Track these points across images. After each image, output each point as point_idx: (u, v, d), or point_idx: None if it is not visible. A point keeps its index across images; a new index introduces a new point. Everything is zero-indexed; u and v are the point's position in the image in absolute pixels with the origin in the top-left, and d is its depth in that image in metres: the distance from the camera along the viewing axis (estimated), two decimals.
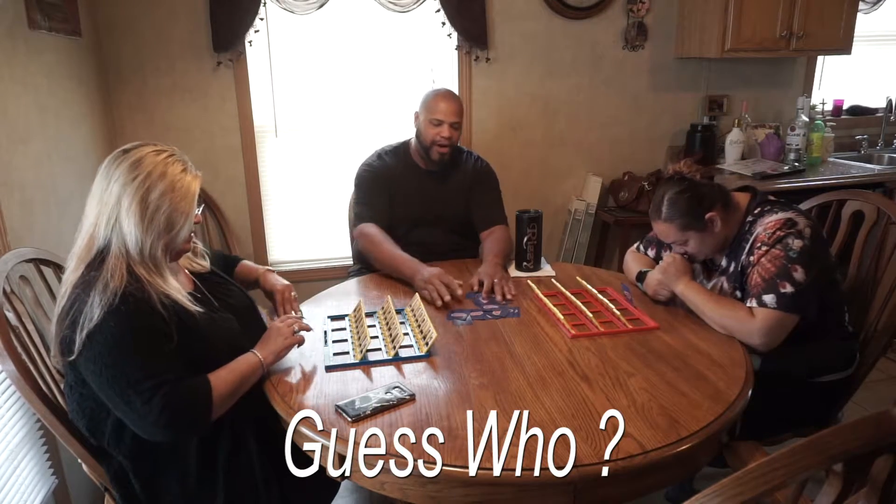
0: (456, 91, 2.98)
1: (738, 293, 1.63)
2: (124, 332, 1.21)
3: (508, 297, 1.84)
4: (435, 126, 2.17)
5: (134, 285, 1.24)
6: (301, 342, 1.46)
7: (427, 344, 1.50)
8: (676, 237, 1.65)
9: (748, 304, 1.52)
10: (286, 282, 1.73)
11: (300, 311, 1.70)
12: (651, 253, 1.97)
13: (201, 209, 1.39)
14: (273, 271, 1.79)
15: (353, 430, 1.19)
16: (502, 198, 2.37)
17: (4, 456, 1.50)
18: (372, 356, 1.49)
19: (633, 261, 1.95)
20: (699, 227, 1.62)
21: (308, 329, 1.50)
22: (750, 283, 1.55)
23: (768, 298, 1.49)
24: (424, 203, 2.27)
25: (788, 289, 1.48)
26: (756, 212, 1.63)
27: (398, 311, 1.69)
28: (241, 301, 1.57)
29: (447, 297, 1.79)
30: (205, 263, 1.56)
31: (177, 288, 1.32)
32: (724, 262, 1.69)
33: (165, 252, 1.32)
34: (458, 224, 2.33)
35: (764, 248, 1.53)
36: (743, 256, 1.61)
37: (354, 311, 1.71)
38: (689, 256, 1.74)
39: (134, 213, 1.26)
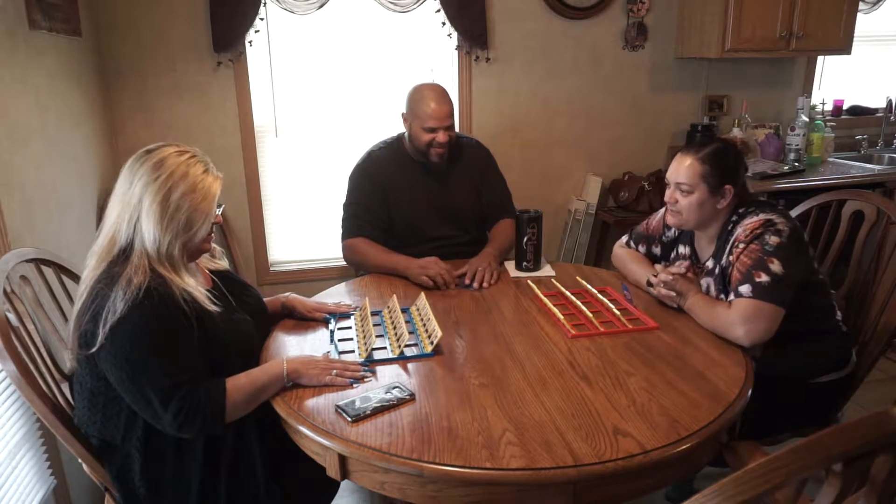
0: (455, 90, 2.99)
1: (723, 296, 1.64)
2: (147, 329, 1.22)
3: (484, 285, 1.93)
4: (429, 133, 2.08)
5: (157, 281, 1.26)
6: (332, 384, 1.36)
7: (432, 343, 1.50)
8: (690, 180, 1.63)
9: (729, 300, 1.53)
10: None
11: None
12: (642, 249, 1.96)
13: (221, 210, 1.40)
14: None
15: (353, 430, 1.19)
16: (506, 183, 2.40)
17: (3, 456, 1.50)
18: (377, 355, 1.50)
19: (633, 261, 1.94)
20: (713, 188, 1.62)
21: (356, 379, 1.38)
22: (731, 282, 1.56)
23: (744, 289, 1.49)
24: (429, 199, 2.20)
25: (764, 278, 1.48)
26: (740, 211, 1.64)
27: (403, 311, 1.70)
28: (256, 302, 1.59)
29: (443, 285, 1.91)
30: (222, 263, 1.58)
31: (194, 286, 1.33)
32: (709, 264, 1.70)
33: (183, 251, 1.33)
34: (469, 219, 2.28)
35: (742, 246, 1.55)
36: (723, 258, 1.62)
37: (360, 309, 1.72)
38: (673, 245, 1.77)
39: (154, 212, 1.27)
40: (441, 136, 2.08)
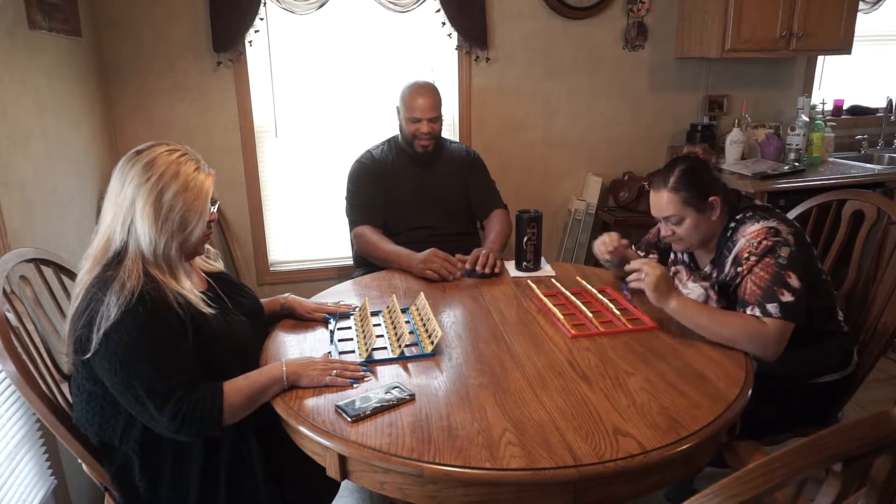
0: (455, 90, 2.99)
1: (724, 302, 1.63)
2: (140, 333, 1.22)
3: (486, 270, 1.98)
4: (414, 123, 2.26)
5: (150, 285, 1.25)
6: (331, 385, 1.35)
7: (433, 343, 1.50)
8: (676, 210, 1.62)
9: (750, 313, 1.49)
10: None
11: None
12: (653, 257, 1.96)
13: (216, 207, 1.40)
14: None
15: (353, 430, 1.19)
16: (494, 181, 2.50)
17: (3, 456, 1.50)
18: (377, 355, 1.50)
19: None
20: (700, 207, 1.61)
21: (356, 379, 1.38)
22: (744, 292, 1.52)
23: (772, 308, 1.47)
24: (420, 188, 2.35)
25: (787, 297, 1.47)
26: (738, 217, 1.63)
27: (403, 311, 1.70)
28: (252, 302, 1.58)
29: (449, 275, 1.95)
30: (217, 264, 1.58)
31: (190, 289, 1.33)
32: (708, 269, 1.69)
33: (179, 252, 1.33)
34: (456, 206, 2.40)
35: (753, 259, 1.53)
36: (727, 267, 1.61)
37: (360, 310, 1.72)
38: (671, 249, 1.75)
39: (148, 214, 1.27)
40: (424, 127, 2.25)
